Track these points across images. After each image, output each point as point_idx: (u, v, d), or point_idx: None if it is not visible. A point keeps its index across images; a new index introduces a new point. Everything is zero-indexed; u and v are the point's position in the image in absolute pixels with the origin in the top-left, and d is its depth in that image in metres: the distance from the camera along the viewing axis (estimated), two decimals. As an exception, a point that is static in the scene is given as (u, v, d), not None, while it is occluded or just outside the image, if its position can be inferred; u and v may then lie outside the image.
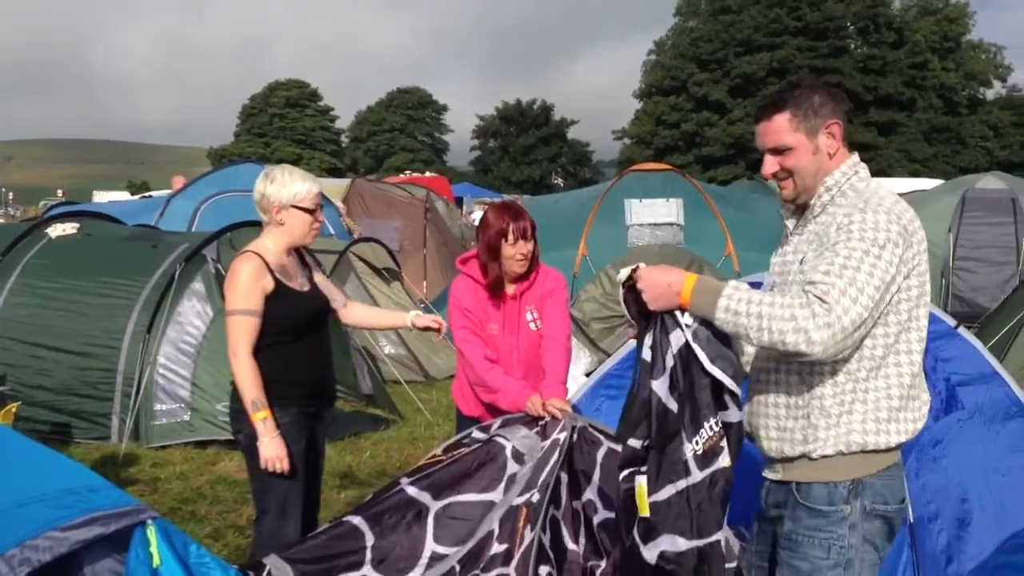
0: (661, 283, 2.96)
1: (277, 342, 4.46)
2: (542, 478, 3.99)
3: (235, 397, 4.50)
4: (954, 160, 63.36)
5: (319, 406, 4.73)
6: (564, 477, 4.17)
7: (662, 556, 3.03)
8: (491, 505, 4.04)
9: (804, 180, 3.11)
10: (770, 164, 3.15)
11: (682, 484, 3.02)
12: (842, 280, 2.82)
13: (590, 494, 4.19)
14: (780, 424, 3.12)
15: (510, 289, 4.88)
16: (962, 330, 5.81)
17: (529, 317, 4.90)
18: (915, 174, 50.69)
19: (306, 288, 4.65)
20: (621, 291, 3.14)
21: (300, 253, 4.80)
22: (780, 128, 3.09)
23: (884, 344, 3.01)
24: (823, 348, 2.78)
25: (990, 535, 5.05)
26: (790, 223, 3.27)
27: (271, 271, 4.46)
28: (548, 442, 4.18)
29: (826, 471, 3.05)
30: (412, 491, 4.05)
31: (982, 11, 73.57)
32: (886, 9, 67.14)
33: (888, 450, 3.07)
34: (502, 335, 4.86)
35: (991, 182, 16.49)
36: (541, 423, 4.34)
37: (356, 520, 3.96)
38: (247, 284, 4.39)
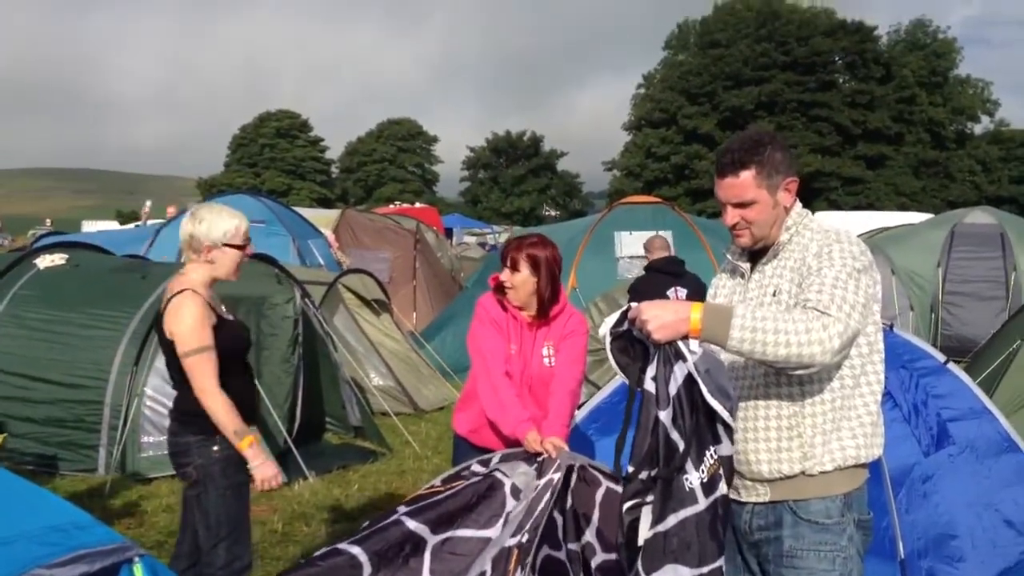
0: (667, 312, 2.97)
1: (227, 373, 4.50)
2: (532, 519, 3.91)
3: (183, 431, 4.56)
4: (942, 194, 63.69)
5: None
6: (559, 518, 4.12)
7: None
8: (488, 542, 3.98)
9: (762, 230, 3.30)
10: (732, 215, 3.31)
11: (686, 513, 3.02)
12: (836, 297, 3.00)
13: (589, 536, 4.15)
14: (773, 446, 3.23)
15: (525, 315, 4.93)
16: (952, 365, 5.82)
17: (545, 352, 4.92)
18: (903, 208, 50.95)
19: (231, 317, 4.75)
20: (608, 342, 3.15)
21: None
22: (746, 185, 3.25)
23: (860, 364, 3.22)
24: (832, 356, 2.93)
25: (982, 571, 5.02)
26: (743, 263, 3.45)
27: (209, 305, 4.51)
28: (543, 481, 4.12)
29: (824, 486, 3.20)
30: (411, 524, 3.98)
31: (969, 47, 74.10)
32: (874, 44, 67.72)
33: (868, 464, 3.28)
34: (517, 357, 4.89)
35: (980, 216, 16.51)
36: (539, 459, 4.29)
37: (355, 550, 3.88)
38: (200, 321, 4.41)
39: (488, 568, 3.82)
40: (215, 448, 4.49)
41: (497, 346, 4.85)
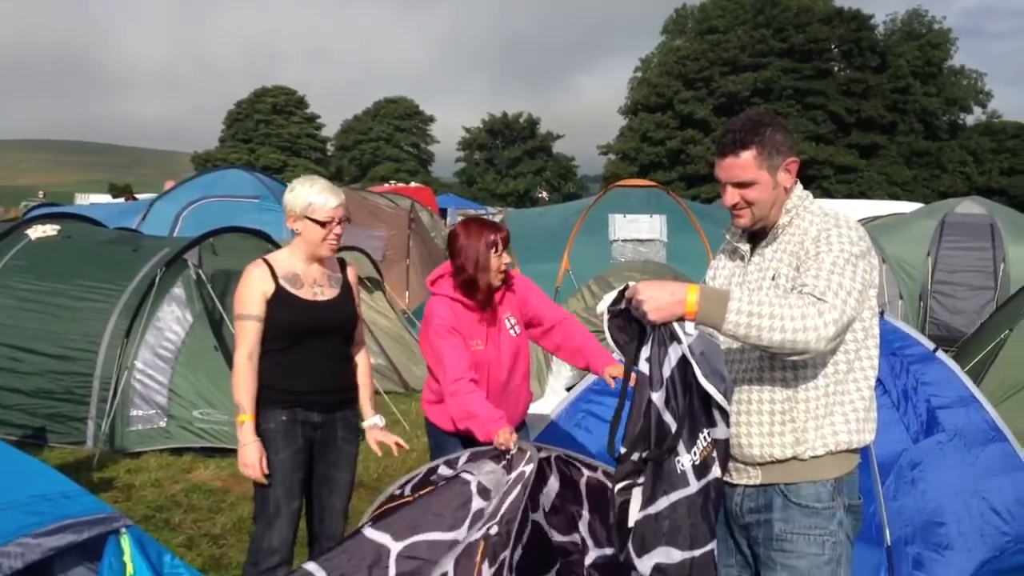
0: (663, 293, 2.97)
1: (273, 348, 4.51)
2: (503, 511, 3.77)
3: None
4: (933, 184, 63.79)
5: (324, 414, 4.71)
6: (543, 515, 4.07)
7: (656, 568, 3.01)
8: (454, 544, 3.84)
9: (762, 211, 3.29)
10: (732, 195, 3.30)
11: (677, 496, 3.01)
12: (832, 283, 3.00)
13: (582, 531, 4.12)
14: (766, 430, 3.24)
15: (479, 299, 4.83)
16: (941, 353, 5.84)
17: (508, 324, 4.86)
18: (894, 197, 50.95)
19: (320, 298, 4.62)
20: (605, 319, 3.13)
21: (343, 265, 4.84)
22: (746, 165, 3.24)
23: (854, 349, 3.22)
24: (827, 342, 2.93)
25: (968, 559, 5.03)
26: (743, 245, 3.44)
27: (275, 277, 4.51)
28: (513, 475, 4.00)
29: (816, 471, 3.20)
30: (372, 534, 3.86)
31: (965, 37, 73.96)
32: (870, 33, 67.71)
33: (859, 449, 3.28)
34: (486, 349, 4.79)
35: (970, 207, 16.49)
36: (508, 457, 4.16)
37: (311, 567, 3.79)
38: (246, 289, 4.50)
39: (450, 569, 3.68)
40: None
41: (460, 357, 4.63)
